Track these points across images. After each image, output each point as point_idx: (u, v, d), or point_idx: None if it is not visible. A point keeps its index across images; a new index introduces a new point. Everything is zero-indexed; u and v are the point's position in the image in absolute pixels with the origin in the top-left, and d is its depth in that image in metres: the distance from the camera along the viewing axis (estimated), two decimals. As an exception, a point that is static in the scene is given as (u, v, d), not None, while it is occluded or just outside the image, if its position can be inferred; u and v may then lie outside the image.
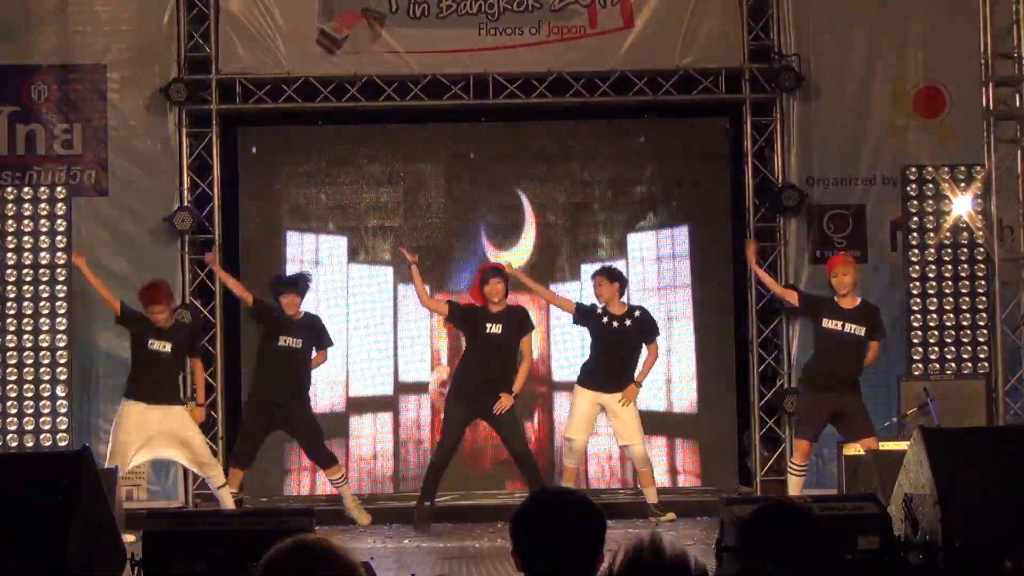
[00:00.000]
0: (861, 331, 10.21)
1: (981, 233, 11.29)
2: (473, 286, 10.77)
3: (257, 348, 10.84)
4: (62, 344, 11.05)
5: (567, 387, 11.82)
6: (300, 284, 10.64)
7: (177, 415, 10.17)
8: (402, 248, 10.97)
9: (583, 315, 10.71)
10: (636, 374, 10.62)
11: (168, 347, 10.19)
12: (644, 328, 10.66)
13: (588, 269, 11.83)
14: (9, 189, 11.18)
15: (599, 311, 10.62)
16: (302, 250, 11.99)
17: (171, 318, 10.32)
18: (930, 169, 11.39)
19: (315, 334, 10.70)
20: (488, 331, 10.49)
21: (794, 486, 10.25)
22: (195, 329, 10.86)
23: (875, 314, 10.36)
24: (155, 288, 10.32)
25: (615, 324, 10.57)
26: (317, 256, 11.98)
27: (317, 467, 11.09)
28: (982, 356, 11.31)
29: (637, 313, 10.67)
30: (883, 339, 10.39)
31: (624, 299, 10.74)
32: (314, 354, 10.70)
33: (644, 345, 10.64)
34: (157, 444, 10.13)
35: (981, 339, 11.34)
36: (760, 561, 3.54)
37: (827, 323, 10.24)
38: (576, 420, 10.61)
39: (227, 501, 10.26)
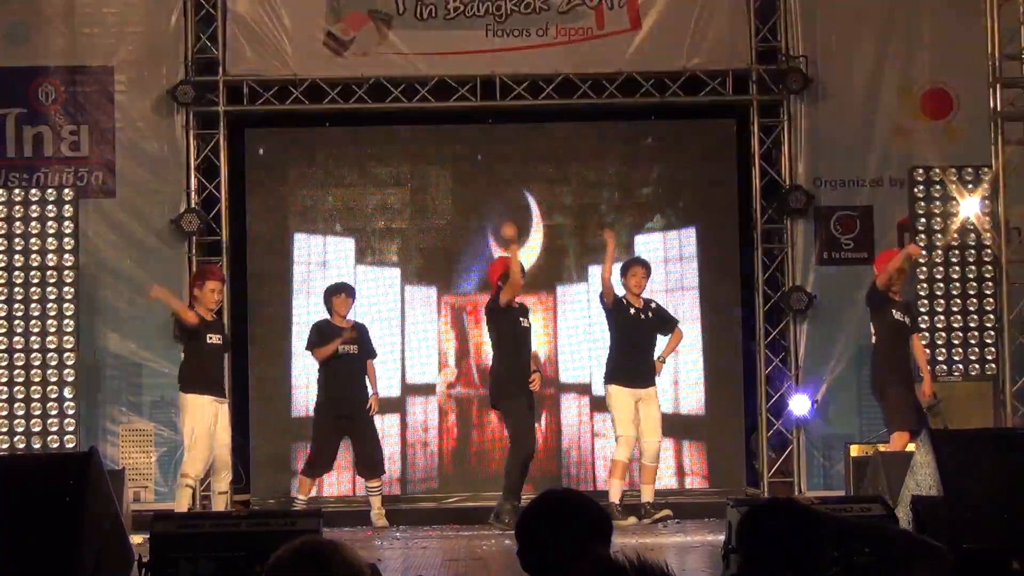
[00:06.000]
0: (908, 322, 10.51)
1: (989, 234, 11.28)
2: (508, 271, 10.61)
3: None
4: (69, 346, 11.06)
5: (574, 388, 11.82)
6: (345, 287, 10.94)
7: (225, 412, 10.38)
8: None
9: (618, 306, 10.69)
10: (661, 351, 10.76)
11: (220, 340, 10.40)
12: (664, 318, 10.82)
13: (595, 271, 11.83)
14: (17, 191, 11.19)
15: (625, 303, 10.66)
16: (309, 252, 12.00)
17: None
18: (937, 170, 11.38)
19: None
20: (522, 325, 10.64)
21: None
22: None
23: (916, 308, 10.70)
24: (211, 267, 10.84)
25: (641, 316, 10.64)
26: (324, 258, 11.98)
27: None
28: (990, 358, 11.30)
29: (653, 305, 10.79)
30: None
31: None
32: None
33: (666, 334, 10.77)
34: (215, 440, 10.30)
35: (989, 340, 11.33)
36: (756, 556, 3.51)
37: (896, 315, 10.43)
38: (623, 416, 10.58)
39: (220, 505, 10.34)
